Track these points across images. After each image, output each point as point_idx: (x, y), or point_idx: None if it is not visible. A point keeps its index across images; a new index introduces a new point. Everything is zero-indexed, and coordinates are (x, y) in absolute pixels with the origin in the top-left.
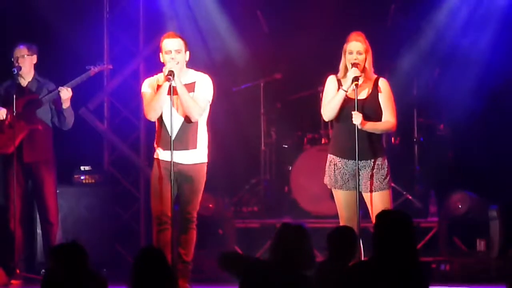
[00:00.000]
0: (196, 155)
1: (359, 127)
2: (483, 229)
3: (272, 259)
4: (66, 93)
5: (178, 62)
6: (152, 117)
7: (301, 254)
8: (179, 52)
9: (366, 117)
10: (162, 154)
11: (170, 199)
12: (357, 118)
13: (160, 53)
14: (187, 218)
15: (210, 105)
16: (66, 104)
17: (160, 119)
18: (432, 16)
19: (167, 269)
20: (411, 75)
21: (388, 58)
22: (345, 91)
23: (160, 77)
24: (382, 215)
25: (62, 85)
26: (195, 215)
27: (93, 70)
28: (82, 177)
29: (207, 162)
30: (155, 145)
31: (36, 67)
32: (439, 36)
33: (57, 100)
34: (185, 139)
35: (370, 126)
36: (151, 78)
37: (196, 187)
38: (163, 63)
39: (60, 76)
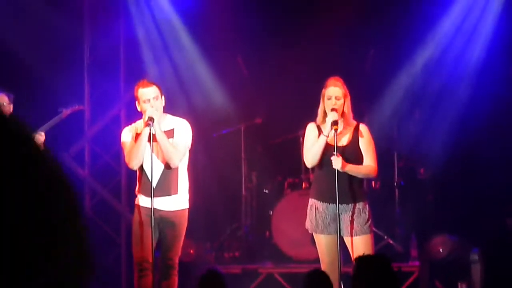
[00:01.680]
0: (177, 201)
1: (340, 170)
2: (464, 273)
3: None
4: (39, 138)
5: (157, 109)
6: (135, 165)
7: None
8: (156, 99)
9: (348, 163)
10: (143, 200)
11: (151, 245)
12: (337, 162)
13: (137, 102)
14: (169, 264)
15: (190, 150)
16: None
17: (141, 166)
18: (410, 61)
19: None
20: (390, 119)
21: (367, 102)
22: (326, 136)
23: (138, 124)
24: (361, 259)
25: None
26: (176, 261)
27: (65, 112)
28: None
29: (188, 208)
30: (137, 192)
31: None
32: (418, 80)
33: None
34: (166, 185)
35: (351, 169)
36: (130, 126)
37: (177, 233)
38: (141, 111)
39: (40, 122)
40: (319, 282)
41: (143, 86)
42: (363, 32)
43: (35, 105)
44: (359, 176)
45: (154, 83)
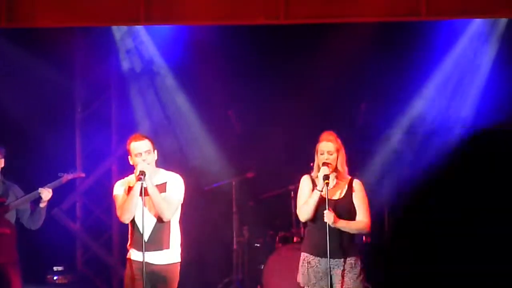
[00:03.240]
0: (169, 255)
1: (332, 225)
2: None
3: None
4: (47, 195)
5: (149, 163)
6: (126, 219)
7: None
8: (148, 153)
9: (340, 217)
10: (134, 255)
11: None
12: (329, 217)
13: (129, 156)
14: None
15: (182, 204)
16: (43, 204)
17: (132, 220)
18: (401, 116)
19: None
20: (382, 173)
21: (360, 156)
22: (320, 191)
23: (131, 178)
24: None
25: (29, 188)
26: None
27: (66, 177)
28: (55, 277)
29: (180, 262)
30: (128, 246)
31: (3, 169)
32: (409, 134)
33: (32, 201)
34: (158, 240)
35: (343, 225)
36: (122, 180)
37: (169, 287)
38: (133, 165)
39: (30, 177)
40: None
41: (135, 140)
42: (355, 86)
43: (27, 160)
44: (352, 231)
45: (146, 137)
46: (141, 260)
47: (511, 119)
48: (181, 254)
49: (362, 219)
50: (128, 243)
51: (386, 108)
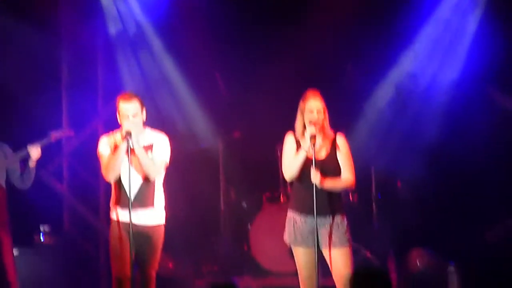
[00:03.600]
0: (153, 216)
1: (318, 186)
2: (441, 286)
3: None
4: (36, 153)
5: (136, 124)
6: (111, 178)
7: None
8: (135, 116)
9: (326, 176)
10: (120, 215)
11: (129, 259)
12: (315, 177)
13: (117, 114)
14: (146, 278)
15: (168, 165)
16: (33, 164)
17: (119, 179)
18: (388, 74)
19: None
20: (368, 132)
21: (345, 116)
22: (306, 151)
23: (117, 136)
24: (358, 272)
25: (17, 148)
26: (154, 275)
27: (54, 135)
28: (42, 238)
29: (165, 223)
30: (112, 205)
31: None
32: (393, 94)
33: (22, 160)
34: (143, 199)
35: (329, 185)
36: (108, 136)
37: (154, 247)
38: (120, 123)
39: (18, 138)
40: None
41: (124, 100)
42: (341, 46)
43: (13, 120)
44: (337, 190)
45: (136, 97)
46: (126, 221)
47: (497, 81)
48: (165, 216)
49: (346, 177)
50: (112, 202)
51: (372, 69)
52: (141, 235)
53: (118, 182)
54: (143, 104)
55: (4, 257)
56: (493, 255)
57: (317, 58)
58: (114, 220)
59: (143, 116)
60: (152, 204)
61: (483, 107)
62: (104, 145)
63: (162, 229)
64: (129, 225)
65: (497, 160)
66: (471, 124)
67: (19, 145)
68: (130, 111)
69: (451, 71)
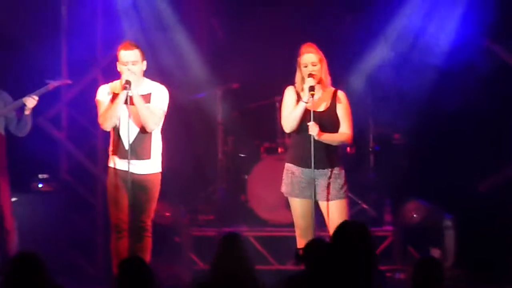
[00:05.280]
0: (150, 165)
1: (316, 138)
2: (438, 238)
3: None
4: (32, 102)
5: (134, 73)
6: (108, 126)
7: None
8: (135, 63)
9: (324, 129)
10: (118, 163)
11: (127, 207)
12: (313, 129)
13: (117, 63)
14: (142, 226)
15: (166, 114)
16: (28, 112)
17: (116, 128)
18: (386, 27)
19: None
20: (366, 84)
21: (343, 69)
22: (306, 102)
23: (116, 85)
24: (340, 227)
25: (16, 95)
26: (149, 223)
27: (52, 84)
28: (39, 185)
29: (162, 171)
30: (110, 153)
31: None
32: (393, 45)
33: (19, 108)
34: (139, 149)
35: (327, 137)
36: (107, 85)
37: (150, 196)
38: (120, 72)
39: (16, 85)
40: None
41: (125, 48)
42: None
43: (12, 68)
44: (334, 143)
45: (136, 46)
46: (124, 169)
47: (492, 38)
48: (162, 164)
49: (345, 131)
50: (110, 150)
51: (370, 21)
52: (137, 184)
53: (116, 131)
54: (144, 54)
55: (2, 204)
56: (487, 205)
57: (318, 9)
58: (112, 168)
59: (143, 65)
60: (149, 156)
61: (480, 60)
62: (103, 93)
63: (159, 178)
64: (127, 173)
65: (493, 113)
66: (468, 76)
67: (19, 93)
68: (130, 57)
69: (449, 27)
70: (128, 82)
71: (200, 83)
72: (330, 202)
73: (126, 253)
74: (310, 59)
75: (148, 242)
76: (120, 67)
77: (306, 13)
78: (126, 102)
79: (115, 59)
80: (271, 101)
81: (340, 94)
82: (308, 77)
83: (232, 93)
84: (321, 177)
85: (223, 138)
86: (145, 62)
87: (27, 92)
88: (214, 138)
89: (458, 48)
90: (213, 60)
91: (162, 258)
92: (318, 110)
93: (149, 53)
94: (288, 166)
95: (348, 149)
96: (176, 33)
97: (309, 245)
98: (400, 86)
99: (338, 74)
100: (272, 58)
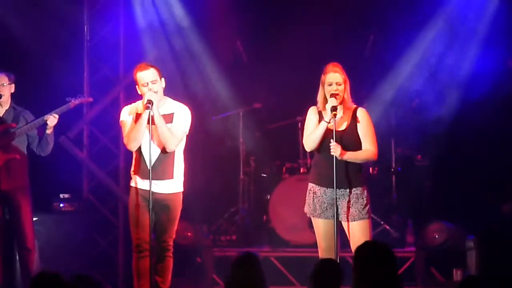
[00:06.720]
0: (172, 185)
1: (338, 158)
2: (460, 259)
3: None
4: (53, 120)
5: (156, 91)
6: (134, 147)
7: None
8: (155, 82)
9: (346, 148)
10: (139, 183)
11: (148, 227)
12: (335, 149)
13: (137, 86)
14: (164, 246)
15: (189, 133)
16: (50, 130)
17: (139, 148)
18: (409, 49)
19: None
20: (389, 105)
21: (366, 89)
22: (327, 122)
23: (139, 105)
24: (361, 247)
25: (38, 114)
26: (171, 243)
27: (73, 102)
28: (61, 205)
29: (183, 191)
30: (132, 173)
31: (13, 95)
32: (416, 67)
33: (40, 127)
34: (161, 170)
35: (350, 156)
36: (130, 106)
37: (172, 216)
38: (141, 94)
39: (39, 104)
40: (329, 271)
41: (141, 70)
42: (363, 17)
43: (35, 87)
44: (358, 161)
45: (152, 66)
46: (145, 188)
47: None
48: (184, 183)
49: (368, 147)
50: (132, 169)
51: (395, 41)
52: (159, 204)
53: (139, 151)
54: (160, 72)
55: (24, 223)
56: (509, 226)
57: (340, 29)
58: (134, 188)
59: (162, 83)
60: (171, 176)
61: (502, 82)
62: (126, 114)
63: (181, 198)
64: (148, 193)
65: None
66: (491, 98)
67: (41, 110)
68: (148, 78)
69: (472, 50)
70: (150, 102)
71: (223, 103)
72: (352, 223)
73: (148, 273)
74: (335, 78)
75: (170, 262)
76: (140, 89)
77: (329, 34)
78: (148, 122)
79: (135, 81)
80: (292, 121)
81: (361, 111)
82: (331, 97)
83: (254, 113)
84: (343, 197)
85: (245, 158)
86: (163, 80)
87: (50, 109)
88: (236, 158)
89: (481, 71)
90: (237, 80)
91: (184, 279)
92: (339, 129)
93: (172, 72)
94: (311, 186)
95: (371, 169)
96: (200, 52)
97: (318, 266)
98: (424, 108)
99: (360, 95)
100: (294, 79)
